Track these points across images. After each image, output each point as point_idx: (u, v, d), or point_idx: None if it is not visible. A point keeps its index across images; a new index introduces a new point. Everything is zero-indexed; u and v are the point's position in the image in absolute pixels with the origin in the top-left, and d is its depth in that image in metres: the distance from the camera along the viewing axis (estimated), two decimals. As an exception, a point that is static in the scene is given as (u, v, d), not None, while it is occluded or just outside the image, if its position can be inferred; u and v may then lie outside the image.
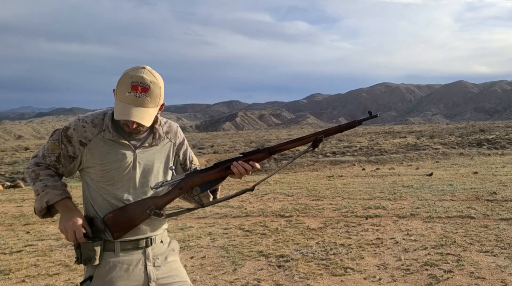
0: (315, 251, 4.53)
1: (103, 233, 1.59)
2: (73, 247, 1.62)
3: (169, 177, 1.70)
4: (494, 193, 7.46)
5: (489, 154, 21.95)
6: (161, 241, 1.72)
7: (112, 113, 1.61)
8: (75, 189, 9.78)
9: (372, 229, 5.41)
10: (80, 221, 1.54)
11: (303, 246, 4.74)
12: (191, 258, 4.50)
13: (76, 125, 1.59)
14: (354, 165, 20.09)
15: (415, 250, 4.44)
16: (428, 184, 9.26)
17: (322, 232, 5.38)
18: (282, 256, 4.38)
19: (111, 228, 1.58)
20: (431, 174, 11.67)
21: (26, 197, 10.29)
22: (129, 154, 1.61)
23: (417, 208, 6.57)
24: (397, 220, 5.82)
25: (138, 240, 1.64)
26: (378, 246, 4.64)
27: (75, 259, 1.60)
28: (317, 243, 4.87)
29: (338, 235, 5.17)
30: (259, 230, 5.60)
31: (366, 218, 6.01)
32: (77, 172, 1.67)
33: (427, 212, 6.22)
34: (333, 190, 9.06)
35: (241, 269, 4.07)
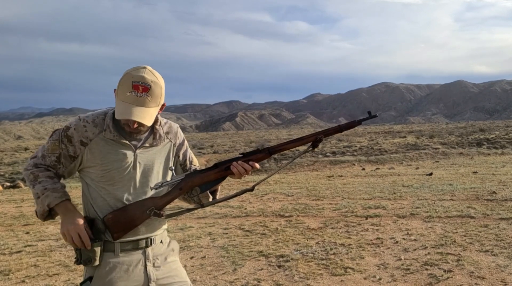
0: (315, 251, 4.53)
1: (103, 234, 1.59)
2: (72, 248, 1.62)
3: (169, 178, 1.70)
4: (494, 192, 7.47)
5: (488, 154, 21.96)
6: (161, 242, 1.72)
7: (113, 113, 1.61)
8: (75, 190, 9.78)
9: (372, 229, 5.41)
10: (81, 223, 1.54)
11: (303, 246, 4.74)
12: (191, 258, 4.50)
13: (77, 125, 1.59)
14: (354, 165, 20.09)
15: (415, 249, 4.44)
16: (428, 184, 9.26)
17: (322, 232, 5.38)
18: (282, 256, 4.38)
19: (111, 229, 1.58)
20: (431, 174, 11.67)
21: (26, 197, 10.28)
22: (129, 154, 1.61)
23: (417, 207, 6.57)
24: (397, 220, 5.82)
25: (138, 240, 1.64)
26: (378, 246, 4.64)
27: (74, 260, 1.60)
28: (317, 243, 4.87)
29: (338, 235, 5.17)
30: (259, 230, 5.60)
31: (366, 218, 6.01)
32: (76, 172, 1.67)
33: (427, 211, 6.22)
34: (333, 190, 9.06)
35: (241, 269, 4.07)
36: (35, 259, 4.62)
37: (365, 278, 3.72)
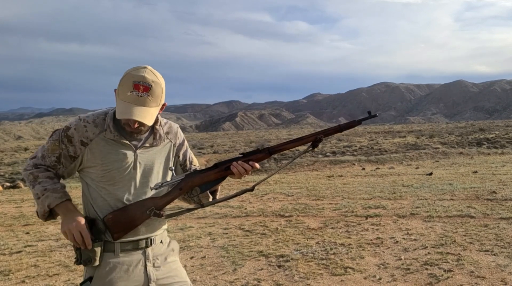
0: (315, 251, 4.53)
1: (103, 234, 1.59)
2: (72, 248, 1.62)
3: (169, 178, 1.70)
4: (494, 192, 7.47)
5: (488, 153, 21.96)
6: (161, 242, 1.72)
7: (113, 113, 1.61)
8: (75, 190, 9.78)
9: (372, 228, 5.41)
10: (83, 222, 1.54)
11: (303, 246, 4.74)
12: (191, 258, 4.50)
13: (77, 125, 1.59)
14: (354, 164, 20.10)
15: (415, 249, 4.45)
16: (428, 184, 9.26)
17: (322, 231, 5.38)
18: (282, 256, 4.38)
19: (111, 229, 1.58)
20: (431, 174, 11.67)
21: (26, 197, 10.28)
22: (130, 154, 1.61)
23: (417, 207, 6.57)
24: (397, 220, 5.82)
25: (138, 240, 1.64)
26: (378, 246, 4.64)
27: (74, 260, 1.60)
28: (317, 243, 4.87)
29: (338, 235, 5.17)
30: (259, 230, 5.60)
31: (366, 218, 6.02)
32: (76, 172, 1.67)
33: (427, 211, 6.22)
34: (333, 190, 9.06)
35: (241, 269, 4.07)
36: (35, 259, 4.62)
37: (365, 278, 3.72)
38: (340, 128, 1.71)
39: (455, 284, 3.50)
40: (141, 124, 1.56)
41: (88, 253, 1.54)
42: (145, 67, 1.55)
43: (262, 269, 4.05)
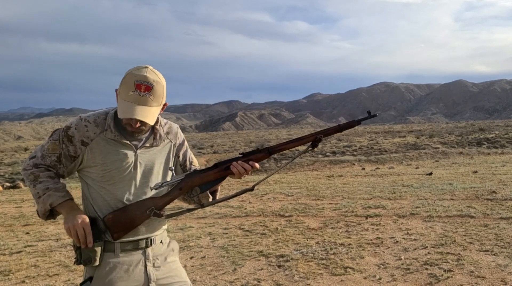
0: (315, 250, 4.53)
1: (103, 234, 1.59)
2: (72, 248, 1.62)
3: (169, 178, 1.70)
4: (494, 192, 7.47)
5: (488, 153, 21.96)
6: (161, 242, 1.72)
7: (114, 113, 1.61)
8: (75, 190, 9.78)
9: (372, 228, 5.41)
10: (87, 219, 1.54)
11: (303, 246, 4.74)
12: (191, 258, 4.50)
13: (78, 125, 1.59)
14: (354, 164, 20.09)
15: (415, 249, 4.45)
16: (428, 184, 9.27)
17: (322, 231, 5.38)
18: (282, 256, 4.38)
19: (111, 229, 1.58)
20: (430, 174, 11.67)
21: (26, 198, 10.28)
22: (130, 154, 1.61)
23: (417, 207, 6.57)
24: (397, 220, 5.82)
25: (138, 240, 1.64)
26: (378, 246, 4.64)
27: (74, 260, 1.60)
28: (317, 242, 4.87)
29: (338, 235, 5.17)
30: (259, 230, 5.60)
31: (366, 218, 6.02)
32: (75, 172, 1.67)
33: (427, 211, 6.22)
34: (333, 190, 9.06)
35: (241, 269, 4.07)
36: (35, 260, 4.63)
37: (365, 278, 3.72)
38: (340, 128, 1.71)
39: (455, 284, 3.50)
40: (143, 123, 1.56)
41: (88, 253, 1.54)
42: (147, 67, 1.56)
43: (262, 269, 4.05)
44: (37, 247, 5.16)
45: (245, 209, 7.12)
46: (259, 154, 1.67)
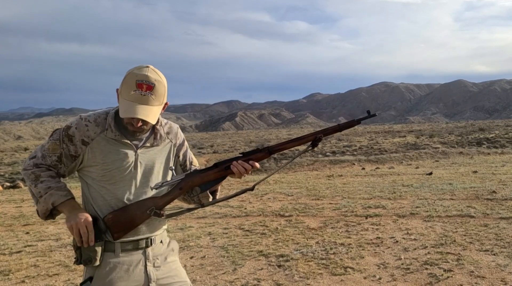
0: (315, 250, 4.53)
1: (104, 234, 1.59)
2: (72, 248, 1.61)
3: (169, 178, 1.70)
4: (494, 192, 7.47)
5: (488, 153, 21.97)
6: (161, 242, 1.72)
7: (115, 113, 1.61)
8: (75, 190, 9.78)
9: (372, 228, 5.41)
10: (89, 218, 1.54)
11: (303, 246, 4.74)
12: (191, 258, 4.50)
13: (79, 124, 1.59)
14: (354, 164, 20.10)
15: (415, 249, 4.45)
16: (427, 183, 9.27)
17: (322, 231, 5.38)
18: (282, 256, 4.38)
19: (111, 229, 1.58)
20: (430, 173, 11.68)
21: (26, 197, 10.28)
22: (130, 154, 1.61)
23: (417, 207, 6.57)
24: (397, 219, 5.82)
25: (138, 240, 1.64)
26: (378, 246, 4.64)
27: (74, 260, 1.60)
28: (317, 242, 4.87)
29: (338, 235, 5.17)
30: (259, 229, 5.60)
31: (366, 218, 6.02)
32: (75, 172, 1.67)
33: (427, 211, 6.22)
34: (333, 190, 9.06)
35: (241, 269, 4.07)
36: (35, 259, 4.62)
37: (365, 278, 3.72)
38: (340, 128, 1.72)
39: (455, 284, 3.50)
40: (145, 122, 1.56)
41: (89, 253, 1.54)
42: (148, 66, 1.56)
43: (262, 269, 4.05)
44: (37, 247, 5.16)
45: (245, 209, 7.12)
46: (259, 153, 1.67)
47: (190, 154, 1.83)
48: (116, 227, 1.57)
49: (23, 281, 3.96)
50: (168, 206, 1.67)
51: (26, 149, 39.75)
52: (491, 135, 29.43)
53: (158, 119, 1.66)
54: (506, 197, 7.01)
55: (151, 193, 1.65)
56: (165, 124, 1.73)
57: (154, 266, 1.66)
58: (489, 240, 4.60)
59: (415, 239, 4.80)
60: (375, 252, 4.42)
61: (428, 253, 4.29)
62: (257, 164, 1.65)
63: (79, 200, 1.65)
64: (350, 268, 3.95)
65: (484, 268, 3.79)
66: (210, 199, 1.74)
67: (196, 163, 1.85)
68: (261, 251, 4.57)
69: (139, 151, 1.62)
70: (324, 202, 7.53)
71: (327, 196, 8.14)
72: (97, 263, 1.56)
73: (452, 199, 7.12)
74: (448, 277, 3.62)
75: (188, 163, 1.81)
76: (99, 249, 1.56)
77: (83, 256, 1.54)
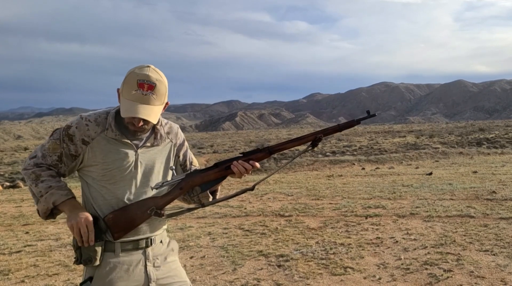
0: (315, 250, 4.54)
1: (104, 234, 1.59)
2: (72, 247, 1.61)
3: (169, 177, 1.70)
4: (494, 192, 7.47)
5: (488, 153, 21.97)
6: (161, 241, 1.72)
7: (115, 112, 1.62)
8: (74, 190, 9.78)
9: (372, 228, 5.41)
10: (90, 217, 1.54)
11: (302, 246, 4.74)
12: (191, 258, 4.50)
13: (79, 124, 1.59)
14: (354, 164, 20.10)
15: (415, 249, 4.45)
16: (427, 183, 9.27)
17: (321, 231, 5.38)
18: (281, 256, 4.38)
19: (111, 229, 1.58)
20: (430, 173, 11.68)
21: (26, 197, 10.28)
22: (131, 154, 1.61)
23: (416, 207, 6.57)
24: (397, 220, 5.82)
25: (138, 240, 1.64)
26: (378, 246, 4.64)
27: (74, 260, 1.60)
28: (317, 242, 4.87)
29: (338, 235, 5.17)
30: (258, 229, 5.60)
31: (366, 218, 6.02)
32: (75, 171, 1.67)
33: (427, 211, 6.22)
34: (333, 190, 9.06)
35: (240, 268, 4.07)
36: (35, 259, 4.62)
37: (365, 278, 3.72)
38: (340, 128, 1.72)
39: (455, 284, 3.50)
40: (146, 122, 1.56)
41: (89, 253, 1.54)
42: (149, 66, 1.56)
43: (261, 268, 4.05)
44: (36, 246, 5.16)
45: (245, 209, 7.12)
46: (260, 153, 1.67)
47: (190, 154, 1.84)
48: (117, 227, 1.57)
49: (22, 281, 3.96)
50: (168, 206, 1.67)
51: (26, 149, 39.74)
52: (491, 135, 29.42)
53: (159, 119, 1.66)
54: (506, 197, 7.01)
55: (151, 193, 1.65)
56: (165, 124, 1.73)
57: (154, 266, 1.66)
58: (489, 240, 4.60)
59: (415, 239, 4.80)
60: (375, 252, 4.42)
61: (428, 253, 4.29)
62: (257, 164, 1.65)
63: (79, 199, 1.66)
64: (350, 268, 3.95)
65: (484, 268, 3.79)
66: (210, 199, 1.74)
67: (196, 163, 1.86)
68: (261, 251, 4.57)
69: (139, 150, 1.62)
70: (324, 202, 7.53)
71: (327, 196, 8.15)
72: (97, 263, 1.56)
73: (452, 199, 7.12)
74: (448, 277, 3.62)
75: (188, 163, 1.81)
76: (99, 249, 1.56)
77: (83, 256, 1.54)
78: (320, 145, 22.26)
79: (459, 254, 4.21)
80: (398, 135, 37.20)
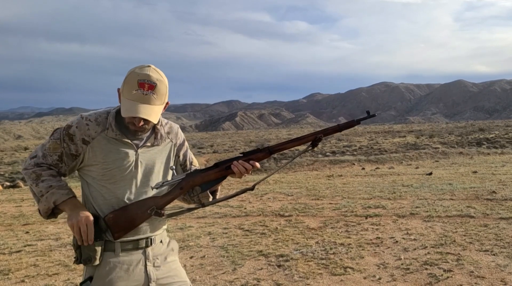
0: (315, 250, 4.54)
1: (104, 233, 1.59)
2: (72, 247, 1.61)
3: (169, 177, 1.70)
4: (494, 192, 7.47)
5: (488, 153, 21.97)
6: (161, 241, 1.72)
7: (116, 112, 1.62)
8: (74, 189, 9.78)
9: (372, 228, 5.42)
10: (91, 216, 1.54)
11: (302, 246, 4.74)
12: (191, 257, 4.50)
13: (79, 123, 1.59)
14: (354, 164, 20.10)
15: (415, 249, 4.45)
16: (427, 184, 9.27)
17: (321, 231, 5.38)
18: (281, 256, 4.39)
19: (112, 228, 1.58)
20: (430, 173, 11.68)
21: (26, 197, 10.28)
22: (131, 153, 1.61)
23: (416, 207, 6.57)
24: (397, 220, 5.83)
25: (138, 240, 1.64)
26: (378, 246, 4.64)
27: (74, 259, 1.60)
28: (317, 242, 4.87)
29: (338, 235, 5.17)
30: (258, 229, 5.60)
31: (366, 218, 6.02)
32: (76, 171, 1.67)
33: (427, 211, 6.22)
34: (333, 190, 9.06)
35: (240, 268, 4.07)
36: (35, 259, 4.63)
37: (364, 278, 3.72)
38: (339, 128, 1.72)
39: (455, 284, 3.50)
40: (146, 122, 1.56)
41: (89, 252, 1.54)
42: (149, 66, 1.56)
43: (261, 268, 4.06)
44: (36, 246, 5.17)
45: (245, 208, 7.12)
46: (260, 153, 1.67)
47: (190, 154, 1.84)
48: (117, 226, 1.57)
49: (22, 281, 3.96)
50: (168, 206, 1.67)
51: (26, 149, 39.74)
52: (491, 135, 29.42)
53: (159, 119, 1.66)
54: (506, 197, 7.01)
55: (151, 192, 1.65)
56: (166, 124, 1.74)
57: (154, 266, 1.66)
58: (489, 240, 4.60)
59: (415, 239, 4.80)
60: (375, 252, 4.42)
61: (428, 253, 4.29)
62: (257, 164, 1.65)
63: (79, 199, 1.66)
64: (350, 268, 3.96)
65: (484, 268, 3.79)
66: (210, 199, 1.74)
67: (196, 163, 1.86)
68: (261, 251, 4.57)
69: (139, 150, 1.63)
70: (324, 202, 7.54)
71: (327, 196, 8.15)
72: (97, 262, 1.56)
73: (452, 199, 7.12)
74: (448, 277, 3.62)
75: (188, 163, 1.81)
76: (99, 249, 1.56)
77: (83, 255, 1.54)
78: (320, 145, 22.27)
79: (459, 254, 4.21)
80: (398, 135, 37.20)
